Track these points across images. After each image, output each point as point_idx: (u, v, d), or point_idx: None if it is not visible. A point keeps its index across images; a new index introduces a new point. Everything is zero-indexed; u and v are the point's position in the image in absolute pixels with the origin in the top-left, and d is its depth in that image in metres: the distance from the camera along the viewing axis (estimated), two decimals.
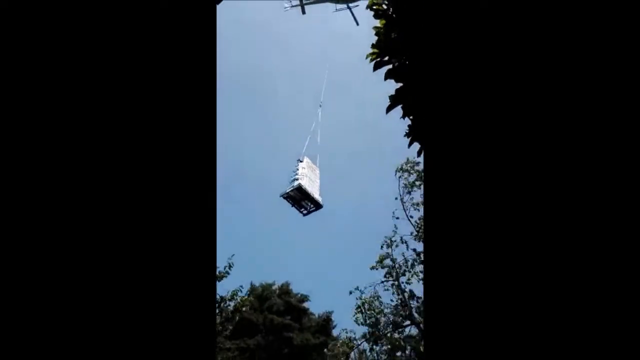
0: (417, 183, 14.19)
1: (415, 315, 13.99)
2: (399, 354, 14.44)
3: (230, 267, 13.06)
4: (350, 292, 14.76)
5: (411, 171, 14.44)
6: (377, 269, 14.38)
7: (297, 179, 16.93)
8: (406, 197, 14.30)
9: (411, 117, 2.76)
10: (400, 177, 14.60)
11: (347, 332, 16.06)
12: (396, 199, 14.35)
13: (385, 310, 14.53)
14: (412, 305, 14.05)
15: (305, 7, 21.94)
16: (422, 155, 2.95)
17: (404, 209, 14.28)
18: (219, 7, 2.42)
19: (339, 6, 21.40)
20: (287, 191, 17.05)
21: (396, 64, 2.74)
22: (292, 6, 21.85)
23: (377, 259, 14.36)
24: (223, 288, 13.99)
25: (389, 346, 14.24)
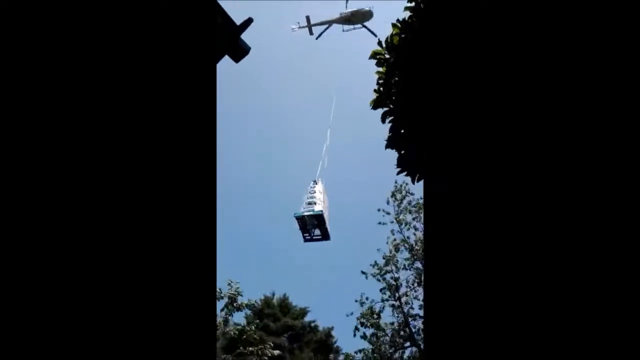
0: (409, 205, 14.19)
1: (416, 337, 13.90)
2: None
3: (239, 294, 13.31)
4: (348, 315, 14.72)
5: (404, 193, 14.44)
6: (377, 278, 14.22)
7: (315, 203, 15.54)
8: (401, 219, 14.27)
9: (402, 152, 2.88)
10: (395, 201, 14.59)
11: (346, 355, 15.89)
12: (392, 222, 14.33)
13: (386, 330, 14.44)
14: (413, 327, 13.97)
15: (313, 28, 22.05)
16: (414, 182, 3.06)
17: (400, 232, 14.26)
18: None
19: (346, 27, 21.53)
20: (304, 214, 15.52)
21: (392, 106, 2.89)
22: (300, 27, 22.08)
23: (377, 267, 14.21)
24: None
25: None
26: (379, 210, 14.45)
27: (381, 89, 2.83)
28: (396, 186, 14.55)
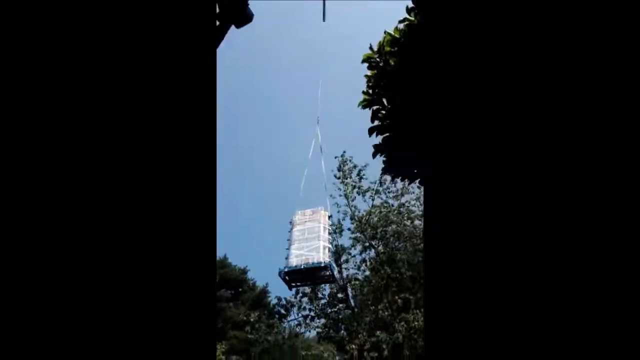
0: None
1: (351, 301, 14.63)
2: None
3: None
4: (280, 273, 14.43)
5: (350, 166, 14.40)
6: None
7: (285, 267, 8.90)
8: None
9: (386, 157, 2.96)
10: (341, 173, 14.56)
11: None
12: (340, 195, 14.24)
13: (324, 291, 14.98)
14: (349, 293, 14.61)
15: None
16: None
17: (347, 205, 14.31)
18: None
19: None
20: (283, 273, 8.89)
21: (382, 109, 2.94)
22: None
23: None
24: None
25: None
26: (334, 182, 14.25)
27: (370, 91, 2.87)
28: (342, 159, 14.51)
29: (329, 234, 9.59)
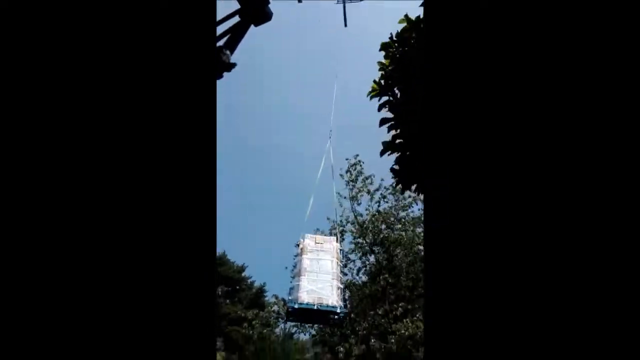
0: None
1: (348, 307, 14.51)
2: None
3: None
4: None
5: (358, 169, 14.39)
6: None
7: (295, 299, 8.01)
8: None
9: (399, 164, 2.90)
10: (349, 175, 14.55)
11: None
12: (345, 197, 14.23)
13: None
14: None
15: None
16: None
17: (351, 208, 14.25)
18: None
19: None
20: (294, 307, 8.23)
21: (392, 99, 2.93)
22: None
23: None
24: None
25: None
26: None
27: (382, 81, 2.86)
28: (351, 161, 14.52)
29: (340, 270, 8.96)
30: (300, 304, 7.80)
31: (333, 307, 7.90)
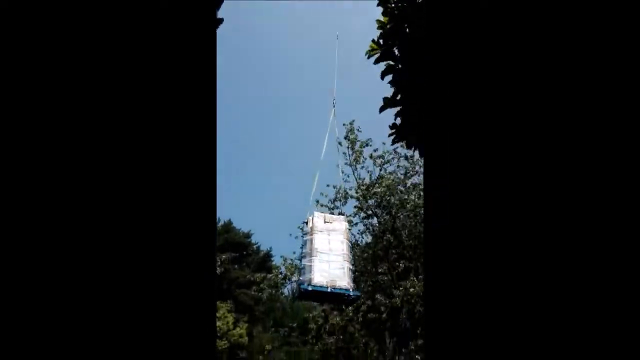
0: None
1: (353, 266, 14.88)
2: None
3: None
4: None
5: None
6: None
7: (307, 280, 7.90)
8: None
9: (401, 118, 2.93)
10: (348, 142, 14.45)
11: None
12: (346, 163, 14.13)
13: None
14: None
15: None
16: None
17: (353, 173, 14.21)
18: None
19: None
20: (308, 289, 7.90)
21: (395, 64, 2.93)
22: None
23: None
24: None
25: None
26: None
27: (381, 41, 2.88)
28: (350, 126, 14.38)
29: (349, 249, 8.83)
30: (314, 286, 7.73)
31: (346, 289, 7.93)
